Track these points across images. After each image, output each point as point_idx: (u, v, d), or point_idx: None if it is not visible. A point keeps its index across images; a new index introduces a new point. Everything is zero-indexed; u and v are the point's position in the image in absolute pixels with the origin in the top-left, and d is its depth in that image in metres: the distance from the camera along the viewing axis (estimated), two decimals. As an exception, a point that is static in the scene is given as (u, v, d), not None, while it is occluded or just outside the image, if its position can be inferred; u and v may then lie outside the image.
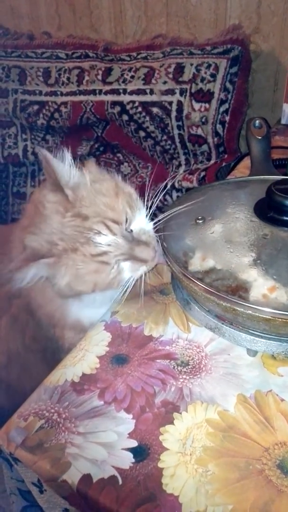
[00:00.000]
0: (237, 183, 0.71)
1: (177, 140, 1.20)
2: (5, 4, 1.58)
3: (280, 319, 0.46)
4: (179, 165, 1.26)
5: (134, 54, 1.24)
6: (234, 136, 1.14)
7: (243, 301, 0.47)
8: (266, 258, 0.53)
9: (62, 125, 1.35)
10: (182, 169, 1.26)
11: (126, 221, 0.58)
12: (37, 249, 0.56)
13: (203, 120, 1.12)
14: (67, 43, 1.33)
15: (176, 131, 1.18)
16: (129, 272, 0.59)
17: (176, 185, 1.21)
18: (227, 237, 0.56)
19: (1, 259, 0.62)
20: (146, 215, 0.61)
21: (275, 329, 0.48)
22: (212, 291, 0.49)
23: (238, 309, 0.47)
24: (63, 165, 0.57)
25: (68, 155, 0.58)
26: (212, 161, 1.18)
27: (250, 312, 0.47)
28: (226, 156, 1.16)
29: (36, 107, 1.37)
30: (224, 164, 1.14)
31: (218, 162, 1.16)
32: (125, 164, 1.37)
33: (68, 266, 0.56)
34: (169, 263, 0.56)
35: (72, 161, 0.58)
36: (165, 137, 1.21)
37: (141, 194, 0.65)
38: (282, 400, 0.48)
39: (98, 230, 0.55)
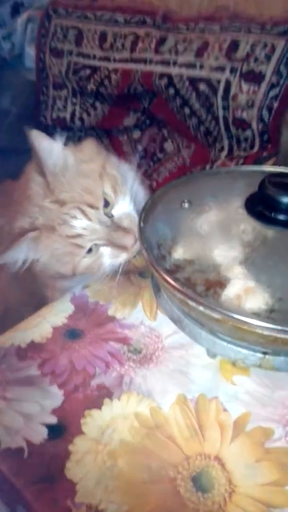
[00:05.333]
0: (251, 172, 0.65)
1: (221, 122, 1.13)
2: None
3: (230, 323, 0.41)
4: (222, 149, 1.19)
5: (192, 24, 1.18)
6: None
7: (196, 296, 0.43)
8: (242, 255, 0.48)
9: (110, 92, 1.32)
10: (224, 154, 1.19)
11: (108, 204, 0.57)
12: (23, 226, 0.57)
13: (249, 103, 1.05)
14: (128, 7, 1.28)
15: (221, 112, 1.11)
16: (109, 258, 0.57)
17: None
18: (207, 227, 0.52)
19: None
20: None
21: (229, 332, 0.44)
22: (169, 280, 0.45)
23: (190, 303, 0.43)
24: (50, 151, 0.56)
25: (59, 141, 0.58)
26: (255, 150, 1.10)
27: (202, 308, 0.43)
28: (269, 146, 1.08)
29: (88, 71, 1.34)
30: (264, 154, 1.06)
31: (260, 151, 1.08)
32: (169, 141, 1.32)
33: (46, 244, 0.56)
34: (142, 246, 0.52)
35: (62, 145, 0.58)
36: (209, 117, 1.15)
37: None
38: (225, 410, 0.44)
39: (73, 215, 0.55)
